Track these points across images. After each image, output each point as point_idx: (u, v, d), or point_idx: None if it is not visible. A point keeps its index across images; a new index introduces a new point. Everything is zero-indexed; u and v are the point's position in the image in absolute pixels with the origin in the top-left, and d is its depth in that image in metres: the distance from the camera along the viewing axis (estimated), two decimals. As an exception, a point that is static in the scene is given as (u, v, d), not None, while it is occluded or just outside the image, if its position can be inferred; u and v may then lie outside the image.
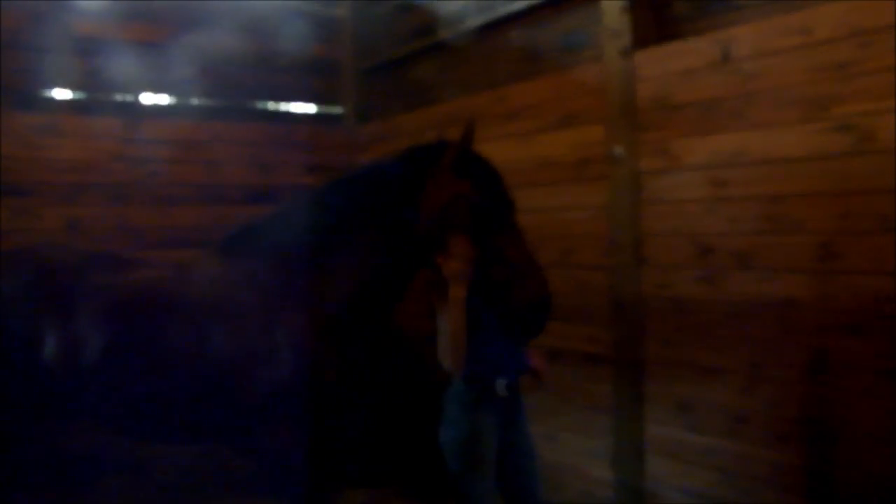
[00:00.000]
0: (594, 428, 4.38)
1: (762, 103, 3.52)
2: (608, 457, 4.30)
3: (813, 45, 3.34)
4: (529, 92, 4.82)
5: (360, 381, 3.42)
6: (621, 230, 4.17)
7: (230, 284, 3.29)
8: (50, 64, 5.47)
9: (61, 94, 5.62)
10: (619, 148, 4.16)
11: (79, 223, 5.29)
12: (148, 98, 5.98)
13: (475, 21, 5.43)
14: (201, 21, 5.92)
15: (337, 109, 6.83)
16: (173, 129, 5.86)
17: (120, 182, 5.56)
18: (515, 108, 4.90)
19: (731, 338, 3.68)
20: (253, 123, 6.24)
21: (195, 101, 6.17)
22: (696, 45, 3.82)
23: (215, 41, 6.02)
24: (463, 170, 3.08)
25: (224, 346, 3.15)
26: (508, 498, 3.37)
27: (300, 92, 6.66)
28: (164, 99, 6.04)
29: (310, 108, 6.72)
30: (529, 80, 4.91)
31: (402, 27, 6.34)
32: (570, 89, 4.53)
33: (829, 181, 3.29)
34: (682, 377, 3.92)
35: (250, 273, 3.27)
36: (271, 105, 6.53)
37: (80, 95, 5.68)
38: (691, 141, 3.83)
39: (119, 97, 5.84)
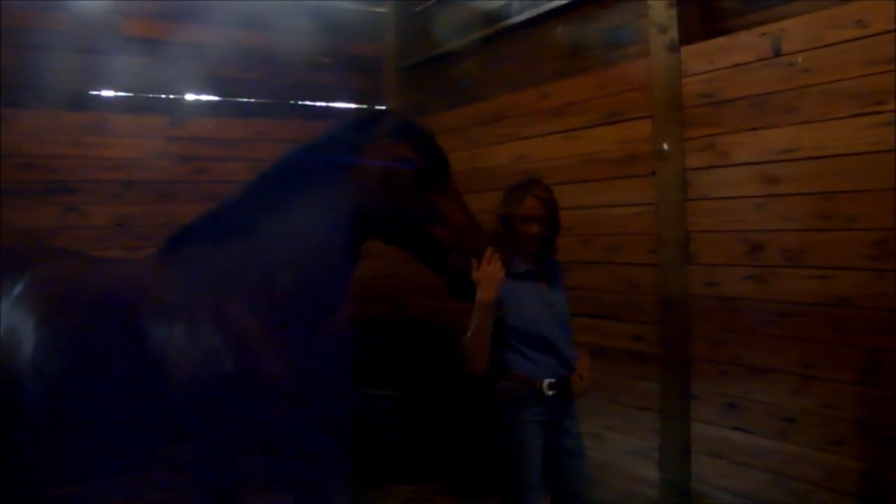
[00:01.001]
0: (640, 427, 4.34)
1: (814, 98, 3.45)
2: (654, 456, 4.26)
3: (867, 38, 3.26)
4: (574, 88, 4.79)
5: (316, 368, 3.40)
6: (668, 227, 4.13)
7: (173, 278, 3.26)
8: (98, 64, 5.56)
9: (109, 93, 5.70)
10: (665, 144, 4.11)
11: (126, 221, 5.37)
12: (193, 96, 6.04)
13: (518, 17, 5.41)
14: (245, 21, 5.98)
15: (379, 107, 6.84)
16: (218, 128, 5.92)
17: (166, 180, 5.63)
18: (560, 105, 4.87)
19: (781, 337, 3.62)
20: (296, 121, 6.27)
21: (239, 100, 6.22)
22: (745, 40, 3.76)
23: (259, 40, 6.07)
24: (401, 134, 3.16)
25: (169, 342, 3.08)
26: (557, 499, 3.36)
27: (343, 90, 6.69)
28: (208, 97, 6.10)
29: (352, 106, 6.73)
30: (574, 77, 4.87)
31: (444, 24, 6.33)
32: (616, 85, 4.48)
33: (883, 177, 3.21)
34: (730, 376, 3.86)
35: (194, 265, 3.25)
36: (314, 103, 6.56)
37: (127, 94, 5.76)
38: (741, 137, 3.77)
39: (165, 96, 5.91)
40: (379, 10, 6.77)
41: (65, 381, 3.13)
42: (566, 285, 3.46)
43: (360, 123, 3.28)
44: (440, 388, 5.33)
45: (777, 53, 3.59)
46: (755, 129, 3.70)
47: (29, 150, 5.16)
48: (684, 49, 4.06)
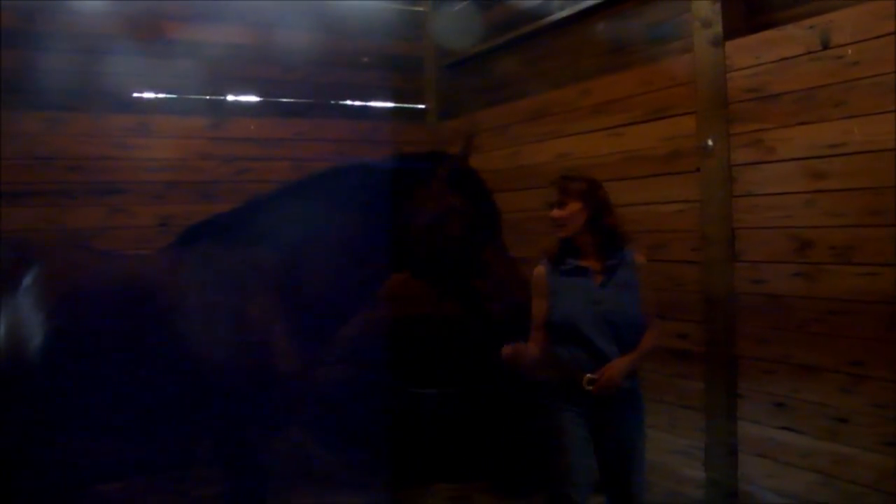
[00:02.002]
0: (685, 426, 4.30)
1: (864, 91, 3.38)
2: (699, 456, 4.21)
3: (919, 30, 3.20)
4: (617, 85, 4.75)
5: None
6: (713, 224, 4.08)
7: (210, 273, 3.28)
8: (141, 67, 5.64)
9: (152, 95, 5.78)
10: (710, 140, 4.06)
11: (169, 221, 5.44)
12: (234, 97, 6.10)
13: (559, 14, 5.38)
14: (285, 21, 6.02)
15: (420, 106, 6.86)
16: (259, 128, 5.98)
17: (209, 180, 5.70)
18: (602, 102, 4.84)
19: (830, 335, 3.55)
20: (337, 121, 6.32)
21: (280, 100, 6.27)
22: (792, 33, 3.70)
23: (299, 40, 6.11)
24: (457, 182, 3.23)
25: (185, 332, 3.13)
26: (610, 499, 3.39)
27: (383, 89, 6.72)
28: (250, 98, 6.16)
29: (393, 105, 6.76)
30: (616, 73, 4.84)
31: (484, 22, 6.32)
32: (659, 81, 4.44)
33: (935, 171, 3.15)
34: (777, 375, 3.80)
35: (214, 260, 3.28)
36: (355, 102, 6.59)
37: (170, 96, 5.83)
38: (787, 132, 3.71)
39: (207, 97, 5.98)
40: (419, 8, 6.77)
41: (76, 371, 3.10)
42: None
43: (420, 161, 3.35)
44: (482, 386, 5.33)
45: (825, 46, 3.53)
46: (803, 123, 3.64)
47: (76, 153, 5.27)
48: (728, 44, 4.00)
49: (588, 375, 3.20)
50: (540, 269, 3.43)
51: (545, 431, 3.29)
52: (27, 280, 3.18)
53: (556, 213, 3.32)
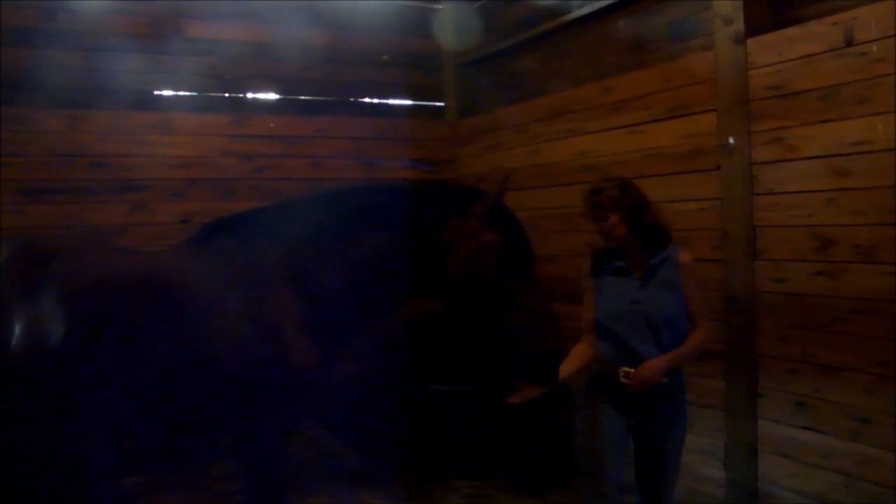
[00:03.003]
0: (705, 425, 4.26)
1: (888, 88, 3.34)
2: (720, 455, 4.19)
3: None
4: (637, 82, 4.73)
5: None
6: (734, 222, 4.06)
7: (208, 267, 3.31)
8: (162, 65, 5.68)
9: (173, 93, 5.81)
10: (731, 138, 4.04)
11: (191, 217, 5.47)
12: (255, 95, 6.13)
13: (579, 11, 5.36)
14: (304, 19, 6.04)
15: (439, 103, 6.86)
16: (279, 125, 6.00)
17: (229, 177, 5.73)
18: (623, 100, 4.82)
19: (853, 334, 3.52)
20: (356, 118, 6.33)
21: (300, 97, 6.29)
22: (815, 30, 3.67)
23: (318, 38, 6.13)
24: (493, 220, 3.23)
25: (201, 328, 3.15)
26: (641, 499, 3.43)
27: (402, 86, 6.73)
28: (270, 95, 6.18)
29: (412, 103, 6.76)
30: (637, 71, 4.82)
31: (503, 19, 6.31)
32: (680, 79, 4.41)
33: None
34: (799, 374, 3.78)
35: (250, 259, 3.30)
36: (374, 100, 6.61)
37: (191, 94, 5.86)
38: (810, 129, 3.68)
39: (228, 95, 6.01)
40: (438, 6, 6.77)
41: (93, 368, 3.10)
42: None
43: (457, 196, 3.38)
44: (503, 385, 5.32)
45: (849, 43, 3.50)
46: (825, 121, 3.61)
47: (97, 150, 5.30)
48: (750, 41, 3.98)
49: (624, 369, 3.27)
50: (586, 267, 3.53)
51: (577, 425, 3.33)
52: (43, 278, 3.18)
53: (599, 227, 3.35)
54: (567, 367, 3.42)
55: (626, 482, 3.36)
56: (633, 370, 3.23)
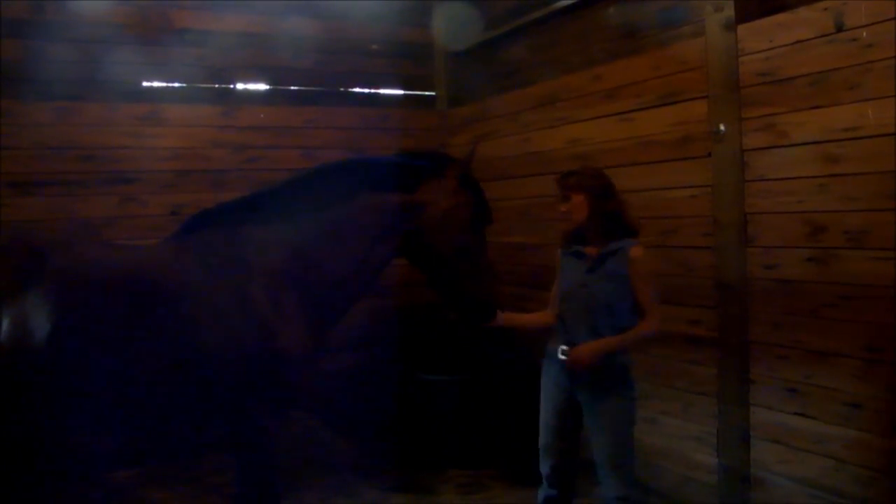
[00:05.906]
0: (697, 412, 4.29)
1: (879, 74, 3.34)
2: (712, 441, 4.20)
3: (935, 11, 3.16)
4: (628, 70, 4.72)
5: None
6: (725, 209, 4.06)
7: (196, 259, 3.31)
8: (151, 56, 5.65)
9: (163, 84, 5.78)
10: (722, 125, 4.03)
11: (181, 209, 5.44)
12: (245, 86, 6.10)
13: (568, -1, 5.35)
14: (294, 9, 6.01)
15: (429, 93, 6.84)
16: (270, 116, 5.99)
17: (220, 169, 5.72)
18: (613, 87, 4.82)
19: (844, 320, 3.53)
20: (346, 108, 6.32)
21: (291, 88, 6.27)
22: (805, 16, 3.66)
23: (308, 28, 6.10)
24: (465, 183, 3.63)
25: (191, 321, 3.14)
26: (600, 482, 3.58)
27: (393, 76, 6.71)
28: (260, 86, 6.16)
29: (403, 92, 6.74)
30: (627, 58, 4.80)
31: (494, 8, 6.29)
32: (671, 66, 4.41)
33: (951, 155, 3.11)
34: (790, 360, 3.78)
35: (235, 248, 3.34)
36: (365, 90, 6.59)
37: (180, 85, 5.84)
38: (801, 116, 3.68)
39: (218, 86, 5.98)
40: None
41: (85, 362, 3.04)
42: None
43: (428, 159, 3.70)
44: (495, 373, 5.33)
45: (839, 29, 3.49)
46: (816, 107, 3.61)
47: (86, 142, 5.28)
48: (741, 27, 3.97)
49: (563, 347, 3.50)
50: (558, 251, 3.73)
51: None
52: (34, 272, 3.12)
53: (561, 207, 3.56)
54: (519, 318, 3.90)
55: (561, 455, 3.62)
56: (569, 348, 3.42)
